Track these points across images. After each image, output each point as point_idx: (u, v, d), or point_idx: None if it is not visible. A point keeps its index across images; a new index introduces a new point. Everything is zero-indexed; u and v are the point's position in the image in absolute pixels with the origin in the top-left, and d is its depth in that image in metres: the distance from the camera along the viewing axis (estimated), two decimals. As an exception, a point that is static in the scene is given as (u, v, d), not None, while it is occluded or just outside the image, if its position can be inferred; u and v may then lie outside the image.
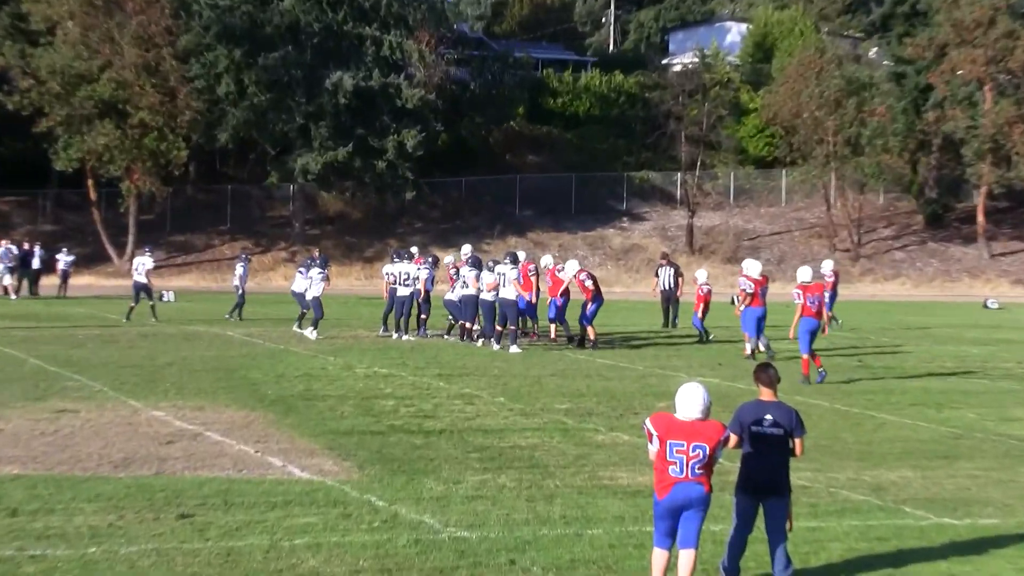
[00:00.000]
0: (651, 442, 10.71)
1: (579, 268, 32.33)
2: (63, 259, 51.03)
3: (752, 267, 29.79)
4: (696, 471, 10.61)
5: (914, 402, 23.37)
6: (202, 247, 69.04)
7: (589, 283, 31.45)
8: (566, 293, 32.49)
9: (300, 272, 34.35)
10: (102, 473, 15.27)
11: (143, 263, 37.09)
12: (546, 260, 34.57)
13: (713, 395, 23.57)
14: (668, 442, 10.61)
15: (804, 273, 27.09)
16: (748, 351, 29.83)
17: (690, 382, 11.01)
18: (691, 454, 10.58)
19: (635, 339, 35.16)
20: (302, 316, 34.52)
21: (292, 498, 14.19)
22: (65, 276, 50.69)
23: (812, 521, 13.65)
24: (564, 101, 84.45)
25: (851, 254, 73.25)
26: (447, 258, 37.49)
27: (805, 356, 25.71)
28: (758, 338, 29.75)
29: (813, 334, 25.77)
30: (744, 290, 29.34)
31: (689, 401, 10.74)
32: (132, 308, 37.51)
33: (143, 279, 37.26)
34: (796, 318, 25.89)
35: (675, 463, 10.60)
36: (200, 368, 25.77)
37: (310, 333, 32.13)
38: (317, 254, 42.29)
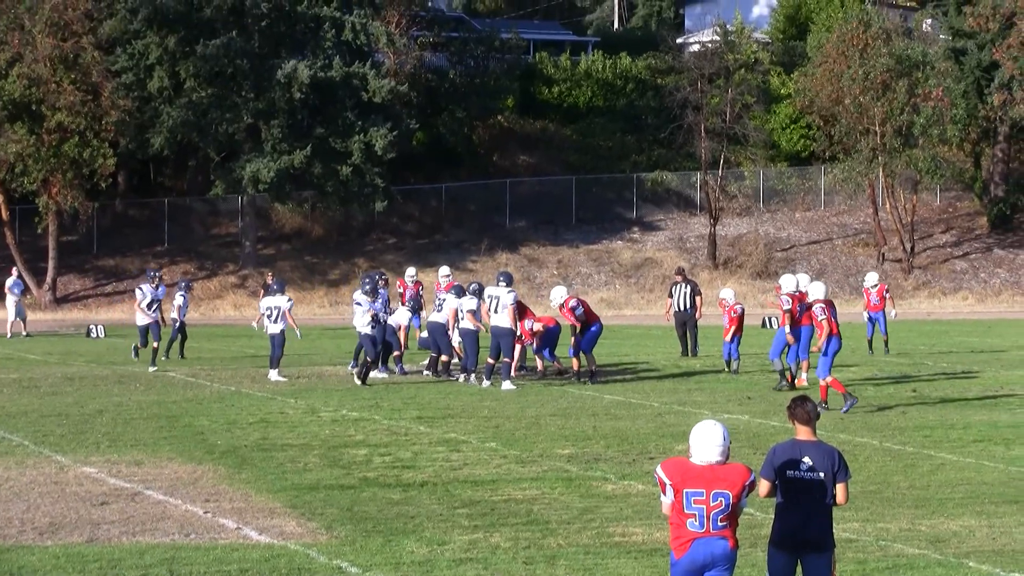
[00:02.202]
0: (664, 493, 10.79)
1: (566, 296, 32.33)
2: None
3: (817, 289, 29.59)
4: (719, 523, 10.71)
5: (978, 438, 23.49)
6: (136, 272, 68.90)
7: (580, 311, 31.72)
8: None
9: (358, 304, 33.09)
10: (25, 542, 15.37)
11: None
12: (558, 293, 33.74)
13: (743, 435, 23.77)
14: (684, 491, 10.69)
15: (818, 289, 28.62)
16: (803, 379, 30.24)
17: (707, 420, 11.11)
18: (712, 504, 10.69)
19: (649, 371, 35.26)
20: (364, 360, 32.70)
21: (249, 566, 14.31)
22: None
23: (859, 580, 13.81)
24: (561, 90, 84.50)
25: (903, 265, 73.45)
26: (409, 270, 38.30)
27: (826, 381, 26.55)
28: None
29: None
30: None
31: (706, 442, 10.83)
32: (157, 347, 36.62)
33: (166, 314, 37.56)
34: (823, 336, 26.56)
35: (694, 515, 10.71)
36: (137, 416, 25.81)
37: (273, 375, 32.12)
38: (271, 278, 42.47)
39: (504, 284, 31.44)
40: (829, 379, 26.59)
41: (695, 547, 10.70)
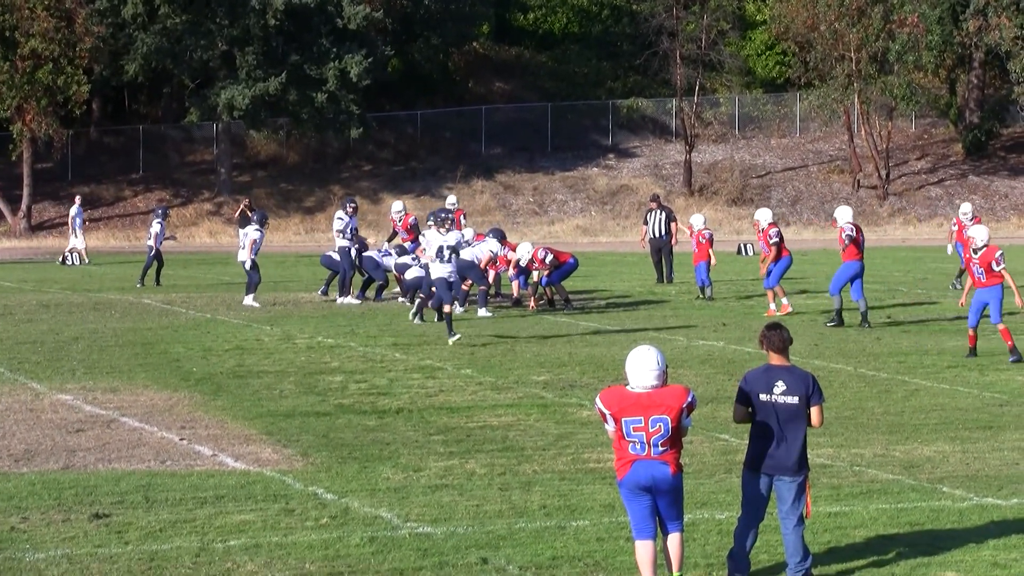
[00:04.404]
0: (606, 422, 10.95)
1: (533, 250, 32.25)
2: None
3: (844, 213, 29.63)
4: (659, 448, 10.81)
5: (952, 364, 23.58)
6: (111, 200, 68.91)
7: (550, 257, 31.80)
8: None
9: (340, 233, 33.30)
10: (1, 469, 15.38)
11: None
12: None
13: (718, 361, 23.84)
14: (623, 420, 10.82)
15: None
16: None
17: (641, 345, 11.16)
18: (651, 429, 10.79)
19: (624, 297, 35.32)
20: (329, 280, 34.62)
21: (225, 492, 14.33)
22: None
23: (834, 505, 13.85)
24: (537, 16, 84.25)
25: (878, 192, 73.56)
26: (394, 205, 37.84)
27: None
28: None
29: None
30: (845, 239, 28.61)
31: (641, 367, 10.92)
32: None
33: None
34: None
35: (635, 441, 10.82)
36: (113, 343, 25.83)
37: (248, 300, 32.09)
38: (248, 205, 42.30)
39: (494, 240, 31.85)
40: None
41: (636, 468, 10.86)
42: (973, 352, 24.05)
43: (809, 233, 66.20)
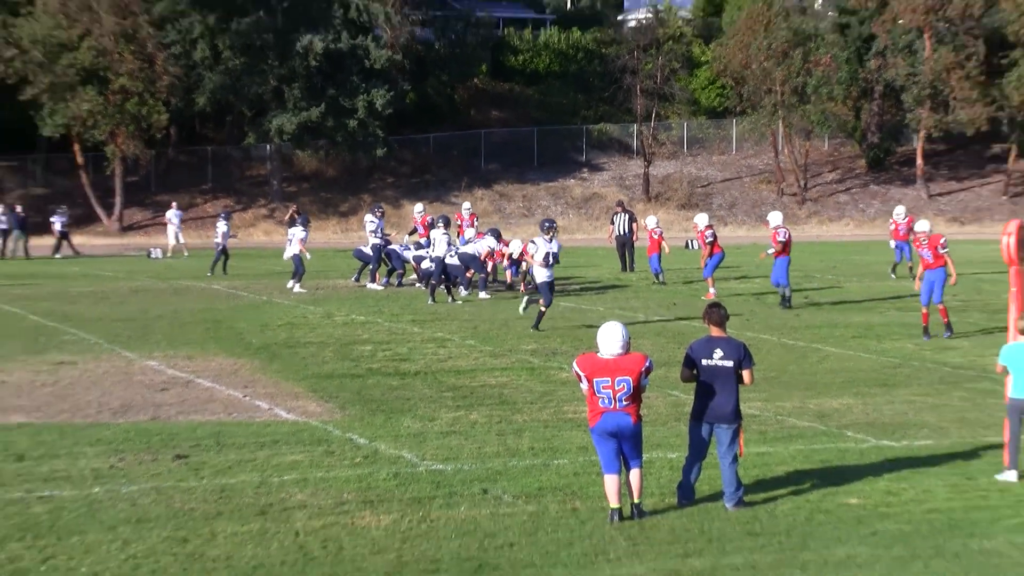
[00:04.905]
0: (580, 381, 11.14)
1: (522, 244, 32.22)
2: (59, 220, 50.72)
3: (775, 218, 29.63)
4: (623, 402, 11.00)
5: (856, 335, 23.72)
6: (185, 206, 68.27)
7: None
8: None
9: (372, 233, 33.24)
10: (102, 420, 15.49)
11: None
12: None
13: (670, 333, 23.90)
14: (594, 380, 11.03)
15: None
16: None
17: (609, 321, 11.34)
18: (616, 388, 10.97)
19: (596, 282, 35.41)
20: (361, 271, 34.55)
21: (279, 438, 14.44)
22: (64, 235, 50.45)
23: (761, 446, 13.99)
24: (525, 58, 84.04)
25: (798, 198, 73.49)
26: (416, 208, 38.06)
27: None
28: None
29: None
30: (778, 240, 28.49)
31: (609, 338, 11.11)
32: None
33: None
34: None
35: (603, 397, 11.00)
36: (189, 320, 25.93)
37: (293, 287, 32.13)
38: (296, 212, 42.31)
39: (492, 237, 32.15)
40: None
41: (604, 418, 11.03)
42: (926, 332, 23.35)
43: (743, 231, 66.12)
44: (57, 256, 48.59)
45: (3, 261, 46.86)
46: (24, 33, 60.91)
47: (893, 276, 35.95)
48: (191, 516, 11.19)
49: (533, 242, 25.59)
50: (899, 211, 37.45)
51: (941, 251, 23.33)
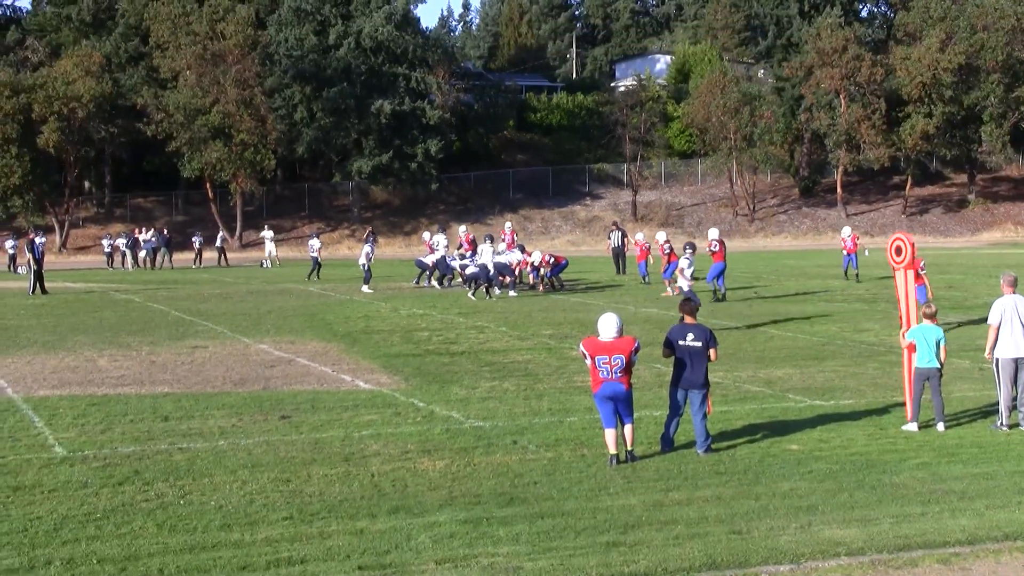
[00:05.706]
0: (585, 358, 11.02)
1: (542, 255, 32.20)
2: (197, 240, 51.61)
3: (713, 233, 29.39)
4: (618, 374, 10.85)
5: (794, 320, 23.51)
6: (289, 228, 68.82)
7: (552, 260, 32.21)
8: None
9: (430, 247, 33.26)
10: (225, 390, 15.45)
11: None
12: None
13: (654, 321, 23.66)
14: (596, 357, 10.88)
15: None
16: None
17: (607, 312, 11.22)
18: (612, 363, 10.83)
19: (597, 283, 35.29)
20: (419, 276, 34.02)
21: (359, 402, 14.37)
22: (200, 252, 50.89)
23: (723, 406, 13.83)
24: (542, 115, 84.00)
25: (748, 218, 73.18)
26: (460, 229, 37.85)
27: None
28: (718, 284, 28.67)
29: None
30: (710, 250, 28.21)
31: (607, 325, 11.00)
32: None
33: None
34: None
35: (602, 370, 10.85)
36: (291, 314, 25.92)
37: (364, 289, 31.95)
38: (369, 231, 42.26)
39: (518, 251, 32.05)
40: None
41: (604, 386, 10.89)
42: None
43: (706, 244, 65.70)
44: (193, 266, 48.73)
45: (153, 271, 47.00)
46: (170, 102, 61.63)
47: (845, 279, 35.22)
48: (292, 462, 11.08)
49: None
50: (846, 231, 35.78)
51: (921, 272, 22.74)
